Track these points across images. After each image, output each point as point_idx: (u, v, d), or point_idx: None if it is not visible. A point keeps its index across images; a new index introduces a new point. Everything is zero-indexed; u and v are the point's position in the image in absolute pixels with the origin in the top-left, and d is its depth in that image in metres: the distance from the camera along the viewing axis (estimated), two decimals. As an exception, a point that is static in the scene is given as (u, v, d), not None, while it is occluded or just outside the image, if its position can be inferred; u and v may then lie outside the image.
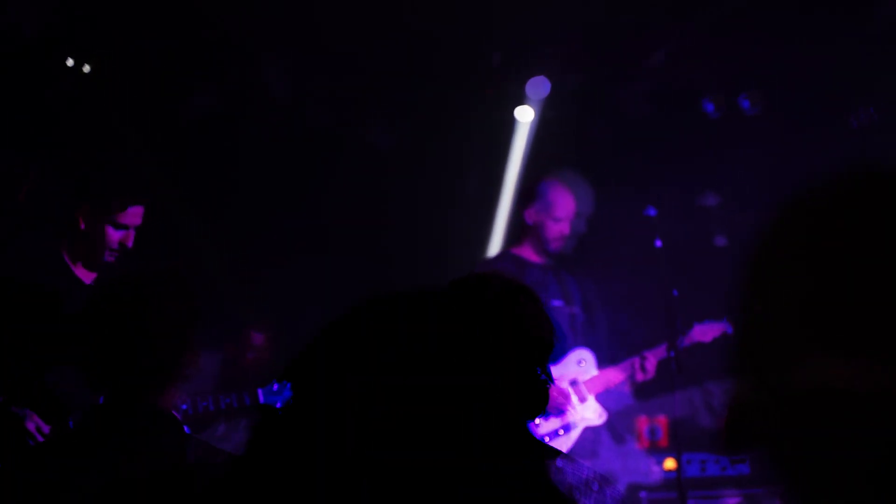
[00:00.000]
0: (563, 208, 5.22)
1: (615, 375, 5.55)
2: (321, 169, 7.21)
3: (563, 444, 5.32)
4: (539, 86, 6.52)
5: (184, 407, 4.37)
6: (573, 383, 5.48)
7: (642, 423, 5.90)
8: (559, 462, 2.26)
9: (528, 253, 5.23)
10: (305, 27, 6.16)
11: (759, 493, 5.58)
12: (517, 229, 5.35)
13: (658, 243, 5.31)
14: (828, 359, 1.10)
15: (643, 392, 5.82)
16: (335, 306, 1.42)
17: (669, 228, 5.56)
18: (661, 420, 5.88)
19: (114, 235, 3.98)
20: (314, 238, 7.15)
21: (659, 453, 5.82)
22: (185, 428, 2.57)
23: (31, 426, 3.72)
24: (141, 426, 2.33)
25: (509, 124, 6.93)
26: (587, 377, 5.54)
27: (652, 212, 5.38)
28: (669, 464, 5.60)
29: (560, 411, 5.33)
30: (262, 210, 7.02)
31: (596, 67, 6.65)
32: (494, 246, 6.73)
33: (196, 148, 6.76)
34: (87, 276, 4.10)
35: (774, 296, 1.20)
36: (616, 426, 5.80)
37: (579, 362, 5.55)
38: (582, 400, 5.46)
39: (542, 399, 2.11)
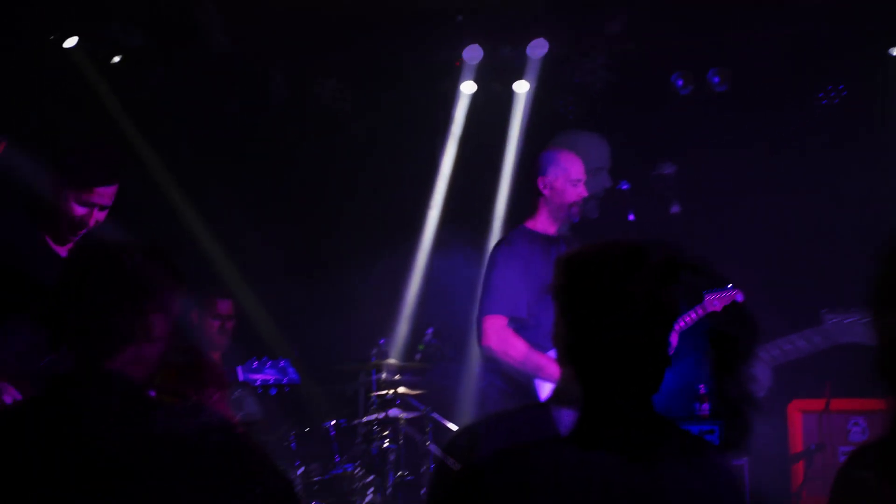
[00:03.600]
0: (577, 170, 5.13)
1: None
2: (281, 133, 7.31)
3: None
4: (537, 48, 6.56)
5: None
6: None
7: None
8: None
9: (542, 225, 5.14)
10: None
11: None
12: (528, 203, 5.22)
13: (631, 217, 5.33)
14: None
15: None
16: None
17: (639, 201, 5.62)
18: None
19: (77, 212, 4.00)
20: (283, 209, 7.24)
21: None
22: (151, 392, 2.57)
23: (7, 399, 3.74)
24: (93, 392, 2.33)
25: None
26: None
27: (625, 186, 5.38)
28: None
29: None
30: (228, 181, 7.08)
31: (559, 36, 6.70)
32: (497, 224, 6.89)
33: (153, 116, 6.80)
34: (60, 250, 4.12)
35: None
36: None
37: None
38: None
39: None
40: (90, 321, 2.37)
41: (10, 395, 3.75)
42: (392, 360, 6.20)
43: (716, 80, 6.65)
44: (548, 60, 6.86)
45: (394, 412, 5.87)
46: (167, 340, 2.47)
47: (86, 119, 6.00)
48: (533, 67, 6.86)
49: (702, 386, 6.32)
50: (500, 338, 4.80)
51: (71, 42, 6.36)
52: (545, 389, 4.73)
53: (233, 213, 6.92)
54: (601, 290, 2.03)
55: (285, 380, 5.32)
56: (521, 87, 7.08)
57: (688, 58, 6.80)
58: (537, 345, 4.74)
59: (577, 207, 5.07)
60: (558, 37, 6.73)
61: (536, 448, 2.00)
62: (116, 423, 2.26)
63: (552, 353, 2.73)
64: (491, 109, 7.20)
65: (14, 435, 2.30)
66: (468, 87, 7.14)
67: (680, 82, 6.65)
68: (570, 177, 5.06)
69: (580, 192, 5.08)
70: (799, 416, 5.71)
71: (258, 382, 5.42)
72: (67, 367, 2.42)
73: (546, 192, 5.06)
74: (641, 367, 2.04)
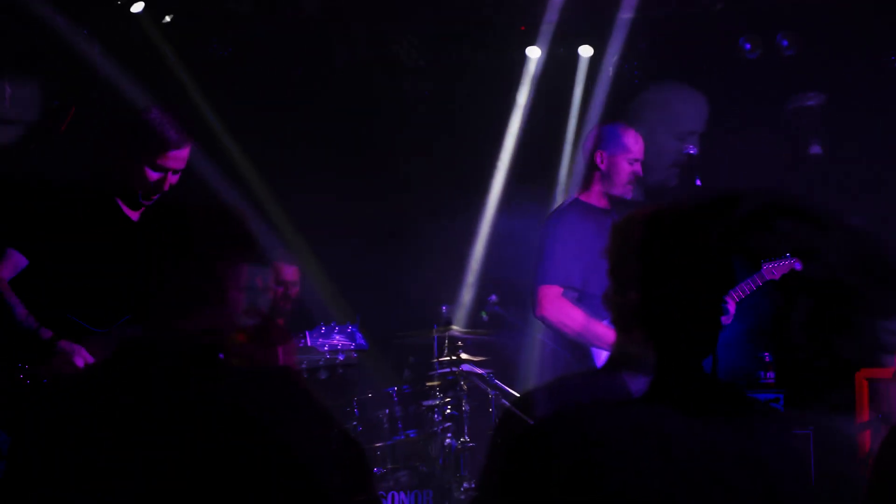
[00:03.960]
0: (637, 149, 5.11)
1: None
2: (350, 105, 7.32)
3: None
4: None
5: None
6: None
7: None
8: None
9: (595, 198, 5.13)
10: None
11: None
12: (583, 175, 5.20)
13: (698, 182, 5.26)
14: None
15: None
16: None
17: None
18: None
19: (152, 176, 4.03)
20: (342, 174, 7.27)
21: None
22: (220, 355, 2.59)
23: (79, 361, 3.82)
24: (166, 355, 2.37)
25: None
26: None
27: (692, 150, 5.31)
28: None
29: None
30: (292, 145, 7.12)
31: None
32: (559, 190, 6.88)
33: (224, 83, 6.85)
34: (132, 214, 4.17)
35: None
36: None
37: None
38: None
39: None
40: (167, 285, 2.41)
41: (82, 358, 3.83)
42: (455, 327, 6.21)
43: (784, 42, 6.51)
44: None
45: (456, 378, 5.88)
46: (238, 304, 2.49)
47: (153, 84, 6.07)
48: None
49: (766, 354, 6.25)
50: (556, 307, 4.83)
51: (138, 7, 6.42)
52: (602, 357, 4.72)
53: (297, 177, 6.98)
54: (682, 247, 2.03)
55: (353, 345, 5.35)
56: (586, 52, 7.03)
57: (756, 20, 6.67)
58: (592, 314, 4.74)
59: (631, 185, 5.06)
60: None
61: (600, 407, 2.00)
62: (188, 386, 2.29)
63: (607, 322, 2.71)
64: (560, 73, 7.17)
65: (88, 398, 2.35)
66: (534, 52, 7.10)
67: (748, 46, 6.53)
68: (628, 155, 5.04)
69: (636, 170, 5.06)
70: (866, 385, 5.63)
71: (326, 348, 5.46)
72: (141, 330, 2.46)
73: (602, 166, 5.05)
74: (710, 327, 2.04)
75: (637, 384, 2.06)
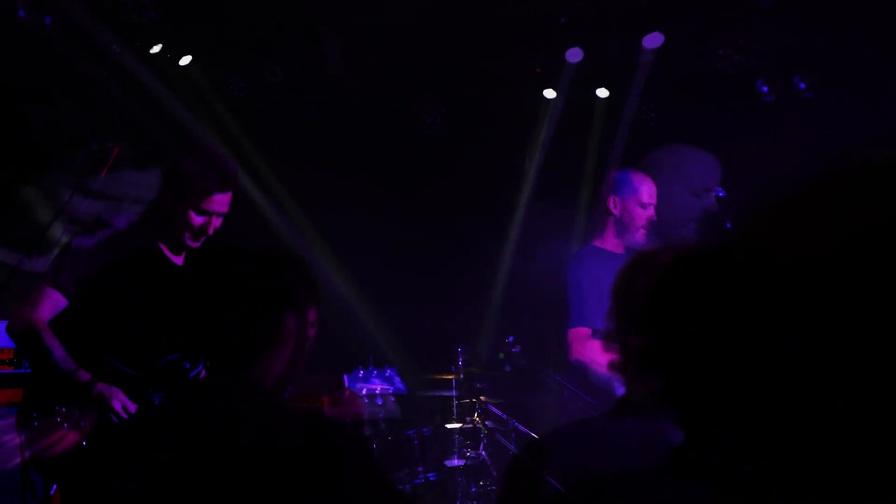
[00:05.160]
0: (649, 193, 5.18)
1: None
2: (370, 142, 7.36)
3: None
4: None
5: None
6: None
7: None
8: None
9: (610, 244, 5.18)
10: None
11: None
12: (597, 221, 5.27)
13: (729, 225, 5.27)
14: None
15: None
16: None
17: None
18: None
19: (196, 220, 4.00)
20: (362, 209, 7.29)
21: None
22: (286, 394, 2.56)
23: (116, 405, 3.76)
24: (236, 400, 2.33)
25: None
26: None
27: (721, 193, 5.34)
28: None
29: None
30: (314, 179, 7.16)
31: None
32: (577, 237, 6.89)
33: (255, 120, 6.89)
34: (176, 259, 4.13)
35: None
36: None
37: None
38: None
39: None
40: (232, 328, 2.37)
41: (120, 402, 3.76)
42: (473, 369, 6.16)
43: (802, 85, 6.55)
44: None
45: (475, 421, 5.83)
46: (305, 348, 2.46)
47: (196, 128, 6.10)
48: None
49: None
50: (587, 348, 4.83)
51: (185, 60, 6.47)
52: None
53: (333, 219, 7.01)
54: (710, 292, 1.95)
55: (391, 389, 5.29)
56: (603, 93, 7.07)
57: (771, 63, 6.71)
58: None
59: (644, 230, 5.10)
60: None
61: (626, 480, 1.85)
62: (252, 430, 2.26)
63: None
64: (578, 116, 7.22)
65: (151, 435, 2.30)
66: (550, 94, 7.14)
67: (765, 88, 6.56)
68: (640, 199, 5.10)
69: (649, 214, 5.11)
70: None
71: (364, 392, 5.39)
72: (207, 375, 2.41)
73: (616, 211, 5.11)
74: (746, 384, 1.85)
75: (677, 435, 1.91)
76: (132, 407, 3.78)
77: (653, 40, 6.64)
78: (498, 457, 5.94)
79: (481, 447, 5.87)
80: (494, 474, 5.84)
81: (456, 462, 5.81)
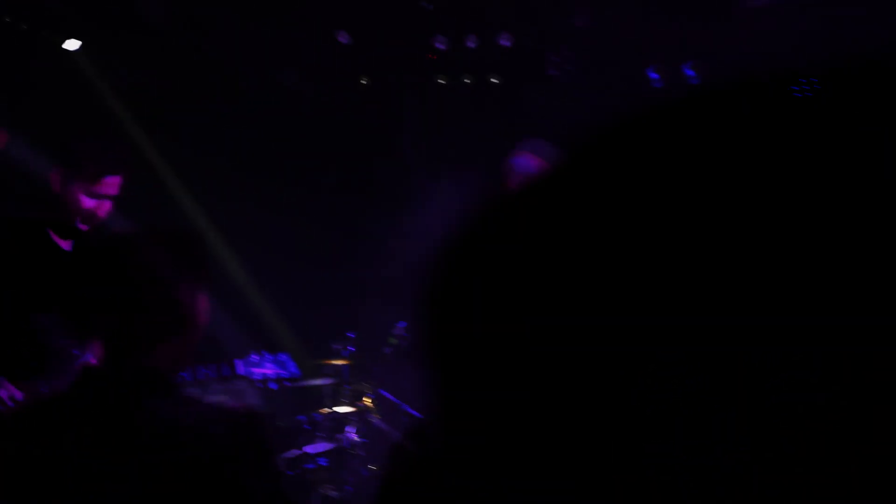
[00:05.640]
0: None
1: None
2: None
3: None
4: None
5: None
6: None
7: None
8: None
9: None
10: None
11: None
12: None
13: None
14: None
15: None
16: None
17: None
18: None
19: (87, 204, 3.94)
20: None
21: None
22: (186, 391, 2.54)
23: (3, 394, 3.69)
24: (131, 388, 2.30)
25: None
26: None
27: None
28: None
29: None
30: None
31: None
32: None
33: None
34: (63, 243, 4.06)
35: None
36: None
37: None
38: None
39: None
40: (126, 316, 2.32)
41: (7, 392, 3.69)
42: (363, 354, 6.22)
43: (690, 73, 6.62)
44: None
45: (364, 405, 5.91)
46: (200, 332, 2.42)
47: (85, 111, 5.99)
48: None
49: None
50: None
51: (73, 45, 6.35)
52: None
53: (232, 204, 6.95)
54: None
55: (285, 373, 5.31)
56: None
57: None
58: None
59: None
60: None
61: None
62: (147, 419, 2.24)
63: None
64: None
65: (36, 432, 2.28)
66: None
67: (656, 76, 6.62)
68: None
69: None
70: None
71: (258, 376, 5.39)
72: (97, 362, 2.38)
73: None
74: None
75: None
76: (19, 395, 3.72)
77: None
78: (384, 439, 6.03)
79: (371, 430, 5.95)
80: (380, 457, 5.92)
81: (346, 443, 5.88)
